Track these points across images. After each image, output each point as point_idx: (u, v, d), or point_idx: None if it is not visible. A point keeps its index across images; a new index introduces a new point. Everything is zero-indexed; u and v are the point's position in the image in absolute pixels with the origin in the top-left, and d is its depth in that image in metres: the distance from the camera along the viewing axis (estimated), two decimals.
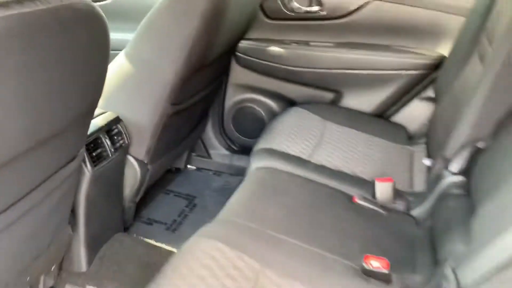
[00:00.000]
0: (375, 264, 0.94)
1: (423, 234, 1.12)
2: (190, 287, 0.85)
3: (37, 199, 0.92)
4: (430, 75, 1.66)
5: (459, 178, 1.09)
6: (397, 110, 1.77)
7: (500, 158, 0.95)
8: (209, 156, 2.04)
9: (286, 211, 1.11)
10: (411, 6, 1.66)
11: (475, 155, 1.07)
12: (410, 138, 1.65)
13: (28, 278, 1.08)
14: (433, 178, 1.21)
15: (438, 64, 1.63)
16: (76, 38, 0.77)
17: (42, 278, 1.22)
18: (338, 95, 1.82)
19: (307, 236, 1.03)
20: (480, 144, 1.07)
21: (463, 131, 1.13)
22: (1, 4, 0.64)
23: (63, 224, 1.16)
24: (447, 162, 1.12)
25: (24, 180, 0.85)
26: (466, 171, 1.09)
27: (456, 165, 1.09)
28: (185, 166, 2.02)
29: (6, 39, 0.62)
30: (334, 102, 1.83)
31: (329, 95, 1.83)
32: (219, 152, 2.03)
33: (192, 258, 0.91)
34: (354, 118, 1.69)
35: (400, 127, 1.70)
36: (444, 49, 1.65)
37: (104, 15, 0.83)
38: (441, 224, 1.03)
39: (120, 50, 1.38)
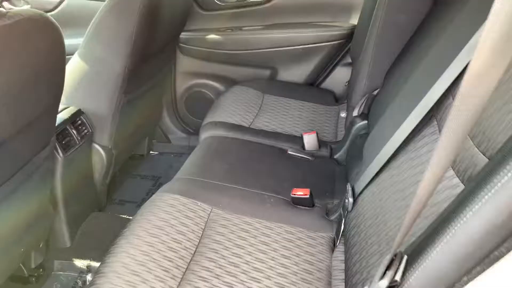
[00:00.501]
0: (299, 193, 1.20)
1: (341, 171, 1.39)
2: (155, 230, 1.08)
3: (18, 181, 1.12)
4: (347, 44, 1.94)
5: (363, 121, 1.36)
6: (325, 78, 2.04)
7: (385, 98, 1.22)
8: (168, 140, 2.26)
9: (230, 166, 1.36)
10: None
11: (372, 101, 1.34)
12: (337, 100, 1.93)
13: (23, 249, 1.28)
14: (348, 126, 1.48)
15: (352, 34, 1.90)
16: (37, 44, 0.98)
17: (32, 254, 1.43)
18: (274, 71, 2.07)
19: (247, 182, 1.29)
20: (375, 92, 1.35)
21: (362, 83, 1.40)
22: None
23: (45, 204, 1.37)
24: (352, 110, 1.39)
25: (7, 164, 1.05)
26: (367, 115, 1.36)
27: (358, 111, 1.36)
28: (148, 152, 2.23)
29: None
30: (271, 78, 2.09)
31: (266, 72, 2.09)
32: (177, 136, 2.26)
33: (153, 209, 1.14)
34: (289, 89, 1.95)
35: (328, 92, 1.98)
36: (355, 20, 1.93)
37: (57, 23, 1.04)
38: (349, 158, 1.30)
39: (72, 54, 1.58)
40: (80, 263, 1.54)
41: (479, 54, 0.42)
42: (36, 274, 1.47)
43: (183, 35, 2.05)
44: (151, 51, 1.63)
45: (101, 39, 1.48)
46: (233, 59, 2.07)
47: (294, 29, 1.99)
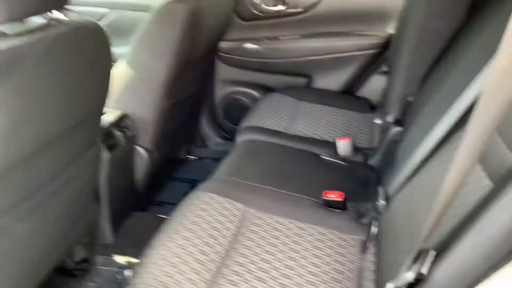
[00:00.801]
0: (332, 196, 1.23)
1: (375, 175, 1.40)
2: (191, 225, 1.14)
3: (66, 178, 1.20)
4: (384, 52, 1.95)
5: (398, 127, 1.37)
6: (360, 85, 2.06)
7: (420, 104, 1.24)
8: (206, 146, 2.34)
9: (264, 168, 1.40)
10: None
11: (407, 108, 1.36)
12: (372, 107, 1.94)
13: (64, 245, 1.37)
14: (382, 132, 1.50)
15: (388, 43, 1.92)
16: (89, 50, 1.07)
17: (77, 248, 1.52)
18: (309, 79, 2.11)
19: (281, 184, 1.32)
20: (410, 98, 1.36)
21: (397, 89, 1.41)
22: (29, 31, 0.92)
23: (90, 201, 1.45)
24: (387, 116, 1.41)
25: (54, 163, 1.14)
26: (402, 122, 1.38)
27: (392, 117, 1.38)
28: (187, 157, 2.31)
29: (42, 55, 0.90)
30: (307, 85, 2.13)
31: (302, 80, 2.13)
32: (214, 141, 2.33)
33: (191, 207, 1.20)
34: (324, 96, 1.98)
35: (363, 100, 1.99)
36: (392, 29, 1.94)
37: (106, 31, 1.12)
38: (383, 163, 1.32)
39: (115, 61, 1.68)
40: (121, 259, 1.61)
41: (505, 50, 0.43)
42: (79, 268, 1.55)
43: (222, 44, 2.12)
44: (193, 59, 1.70)
45: (146, 48, 1.57)
46: (270, 67, 2.13)
47: (331, 38, 2.02)
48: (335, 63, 2.03)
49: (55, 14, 0.98)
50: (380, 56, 1.97)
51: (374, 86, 2.01)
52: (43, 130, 0.98)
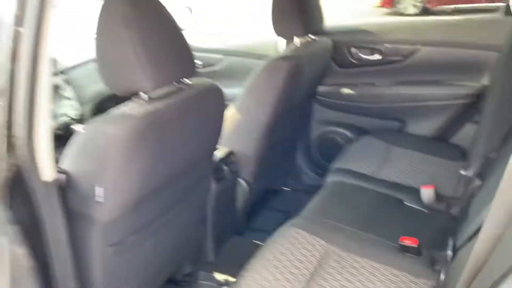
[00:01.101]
0: (407, 241, 1.34)
1: (453, 225, 1.48)
2: (280, 256, 1.34)
3: (183, 205, 1.49)
4: (477, 103, 2.00)
5: (477, 182, 1.44)
6: (453, 132, 2.11)
7: (499, 160, 1.31)
8: (300, 179, 2.54)
9: (349, 209, 1.56)
10: (455, 48, 2.03)
11: (488, 163, 1.42)
12: (463, 156, 1.98)
13: (176, 260, 1.65)
14: (464, 184, 1.56)
15: (482, 93, 1.96)
16: (207, 106, 1.34)
17: (184, 264, 1.81)
18: (403, 123, 2.22)
19: (362, 225, 1.47)
20: (492, 155, 1.42)
21: (480, 142, 1.48)
22: (167, 95, 1.19)
23: (198, 225, 1.73)
24: (471, 168, 1.48)
25: (174, 194, 1.41)
26: (483, 176, 1.44)
27: (473, 170, 1.45)
28: (282, 188, 2.54)
29: (175, 114, 1.18)
30: (400, 130, 2.23)
31: (395, 124, 2.24)
32: (308, 176, 2.52)
33: (281, 239, 1.41)
34: (415, 142, 2.07)
35: (455, 147, 2.04)
36: (487, 80, 1.98)
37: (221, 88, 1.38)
38: (460, 215, 1.40)
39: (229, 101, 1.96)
40: (220, 276, 1.86)
41: None
42: (185, 280, 1.84)
43: (320, 88, 2.33)
44: (292, 105, 1.93)
45: (252, 96, 1.83)
46: (364, 110, 2.28)
47: (425, 86, 2.12)
48: (428, 110, 2.12)
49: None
50: (474, 106, 2.02)
51: (467, 133, 2.06)
52: (170, 168, 1.27)
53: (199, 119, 1.31)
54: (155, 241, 1.39)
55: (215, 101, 1.38)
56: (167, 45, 1.13)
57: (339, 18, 2.88)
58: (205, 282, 1.85)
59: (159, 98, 1.15)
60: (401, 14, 9.13)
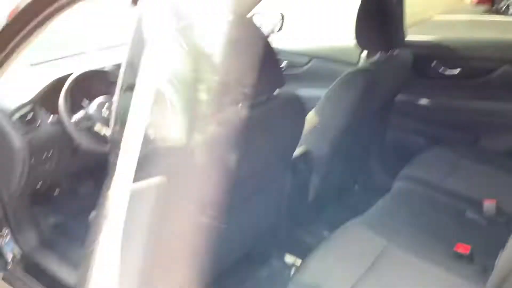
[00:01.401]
0: (461, 248, 1.49)
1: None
2: (342, 248, 1.54)
3: (264, 194, 1.74)
4: None
5: None
6: None
7: None
8: (371, 180, 2.68)
9: (412, 214, 1.73)
10: None
11: None
12: None
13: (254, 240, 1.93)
14: None
15: None
16: (289, 114, 1.57)
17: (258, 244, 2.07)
18: (476, 137, 2.29)
19: (422, 230, 1.63)
20: None
21: None
22: (255, 105, 1.43)
23: (274, 211, 1.98)
24: None
25: (258, 182, 1.66)
26: None
27: None
28: (352, 187, 2.70)
29: (264, 122, 1.43)
30: (473, 143, 2.30)
31: (468, 137, 2.32)
32: (379, 178, 2.65)
33: (344, 234, 1.62)
34: (487, 157, 2.14)
35: None
36: None
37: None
38: None
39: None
40: (290, 258, 2.10)
41: None
42: (259, 257, 2.10)
43: (399, 96, 2.44)
44: (369, 113, 2.09)
45: (330, 102, 2.02)
46: (440, 122, 2.39)
47: (503, 103, 2.18)
48: (503, 126, 2.17)
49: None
50: None
51: None
52: (254, 164, 1.52)
53: (282, 127, 1.55)
54: (238, 224, 1.66)
55: (296, 111, 1.60)
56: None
57: (431, 12, 2.93)
58: (276, 261, 2.10)
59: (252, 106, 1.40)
60: (500, 13, 8.60)
